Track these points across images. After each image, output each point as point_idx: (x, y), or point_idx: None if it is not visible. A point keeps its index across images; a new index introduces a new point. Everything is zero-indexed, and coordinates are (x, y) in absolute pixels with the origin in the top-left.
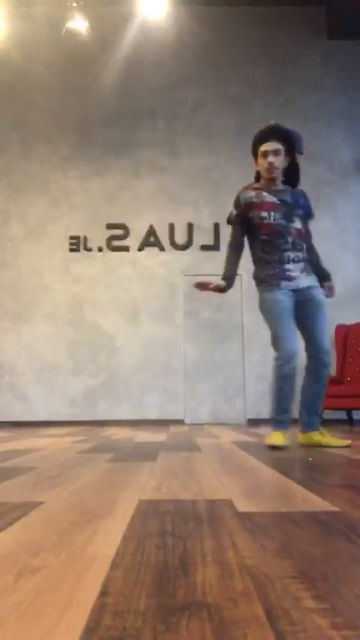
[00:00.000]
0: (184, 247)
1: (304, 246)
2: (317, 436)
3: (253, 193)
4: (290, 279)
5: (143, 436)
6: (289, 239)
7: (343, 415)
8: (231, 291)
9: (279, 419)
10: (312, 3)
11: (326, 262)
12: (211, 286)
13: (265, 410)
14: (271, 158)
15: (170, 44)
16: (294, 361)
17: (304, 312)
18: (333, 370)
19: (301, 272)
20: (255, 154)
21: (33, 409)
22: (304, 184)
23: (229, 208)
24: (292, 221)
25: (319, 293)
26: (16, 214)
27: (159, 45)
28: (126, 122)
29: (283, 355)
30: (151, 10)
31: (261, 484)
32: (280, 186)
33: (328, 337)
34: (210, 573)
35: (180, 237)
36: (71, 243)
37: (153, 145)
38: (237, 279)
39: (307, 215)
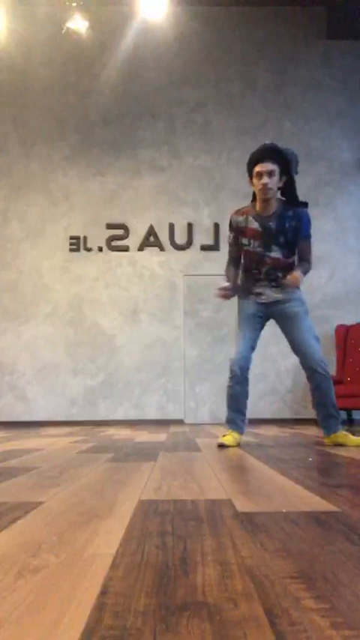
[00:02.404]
0: (184, 247)
1: (280, 274)
2: (340, 437)
3: (241, 218)
4: (258, 294)
5: (143, 436)
6: (263, 269)
7: (342, 415)
8: None
9: (231, 417)
10: (312, 3)
11: (326, 262)
12: (220, 294)
13: (265, 410)
14: (265, 179)
15: (170, 44)
16: (240, 363)
17: (282, 324)
18: (333, 370)
19: (270, 289)
20: (251, 174)
21: (33, 409)
22: (304, 185)
23: (229, 208)
24: (270, 250)
25: (292, 306)
26: (15, 214)
27: (159, 45)
28: (126, 122)
29: (233, 356)
30: (151, 10)
31: (261, 484)
32: (271, 209)
33: (315, 346)
34: (210, 573)
35: (180, 237)
36: (71, 243)
37: (153, 145)
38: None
39: (296, 237)
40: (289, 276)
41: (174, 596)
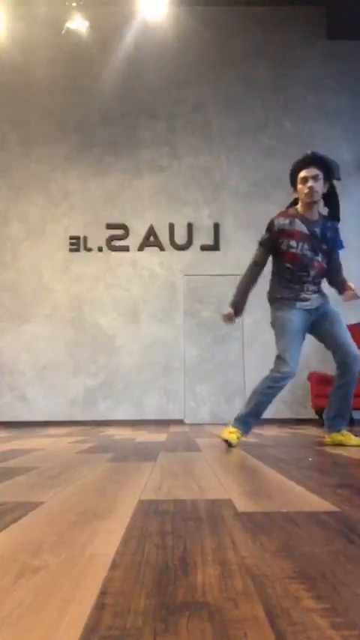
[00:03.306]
0: (184, 247)
1: (321, 281)
2: (339, 437)
3: (287, 221)
4: (304, 300)
5: (143, 436)
6: (312, 272)
7: None
8: (231, 290)
9: (247, 420)
10: (312, 3)
11: None
12: (224, 318)
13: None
14: (311, 183)
15: (170, 44)
16: (290, 379)
17: (322, 325)
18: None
19: (315, 294)
20: (293, 182)
21: (33, 409)
22: None
23: (229, 208)
24: (317, 254)
25: (332, 307)
26: (15, 214)
27: (159, 45)
28: (126, 122)
29: (285, 371)
30: (151, 10)
31: (261, 484)
32: (315, 215)
33: (355, 345)
34: (210, 573)
35: (180, 237)
36: (71, 243)
37: (153, 145)
38: (237, 279)
39: (333, 249)
40: (348, 291)
41: (174, 596)
